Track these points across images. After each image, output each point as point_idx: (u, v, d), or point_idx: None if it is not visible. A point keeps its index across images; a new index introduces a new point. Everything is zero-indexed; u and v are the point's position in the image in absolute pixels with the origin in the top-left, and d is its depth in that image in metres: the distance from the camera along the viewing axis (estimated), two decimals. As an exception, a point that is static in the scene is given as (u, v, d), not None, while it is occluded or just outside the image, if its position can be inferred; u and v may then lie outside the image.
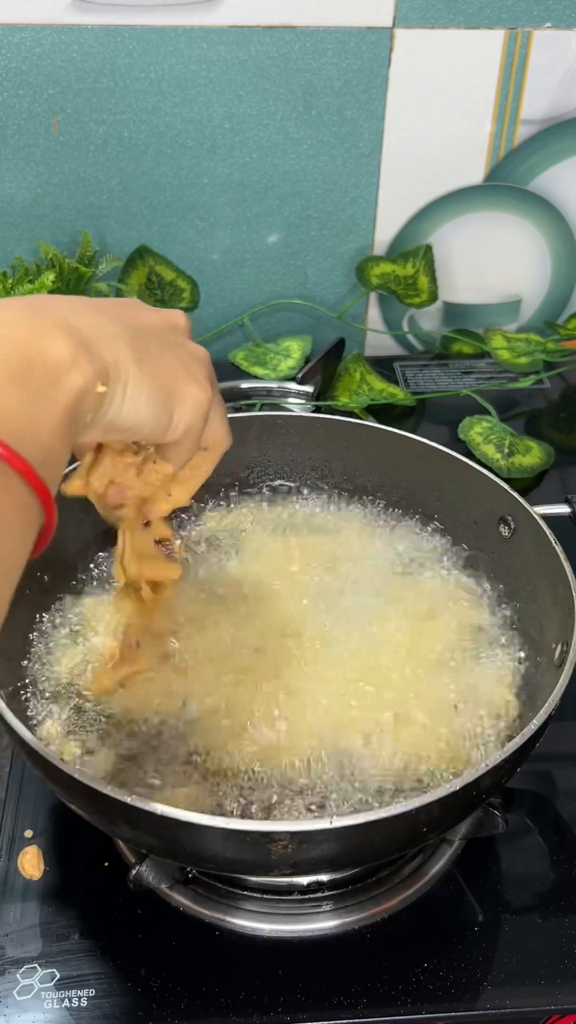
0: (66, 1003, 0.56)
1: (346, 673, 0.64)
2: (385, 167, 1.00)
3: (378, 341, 1.11)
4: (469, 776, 0.50)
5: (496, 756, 0.51)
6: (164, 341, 0.48)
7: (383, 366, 1.07)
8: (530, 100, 0.97)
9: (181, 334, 0.50)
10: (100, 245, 1.02)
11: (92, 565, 0.72)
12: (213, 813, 0.54)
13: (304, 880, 0.60)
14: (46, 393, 0.39)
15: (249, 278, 1.06)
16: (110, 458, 0.52)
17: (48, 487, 0.39)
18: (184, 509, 0.77)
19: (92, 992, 0.57)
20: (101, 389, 0.42)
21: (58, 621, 0.68)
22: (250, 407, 0.95)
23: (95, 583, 0.71)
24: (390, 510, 0.77)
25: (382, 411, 0.99)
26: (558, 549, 0.63)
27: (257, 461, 0.79)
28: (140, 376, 0.44)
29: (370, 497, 0.78)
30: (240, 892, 0.61)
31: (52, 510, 0.40)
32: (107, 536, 0.74)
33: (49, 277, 0.92)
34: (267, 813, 0.57)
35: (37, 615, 0.68)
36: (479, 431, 0.96)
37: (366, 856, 0.55)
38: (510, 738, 0.58)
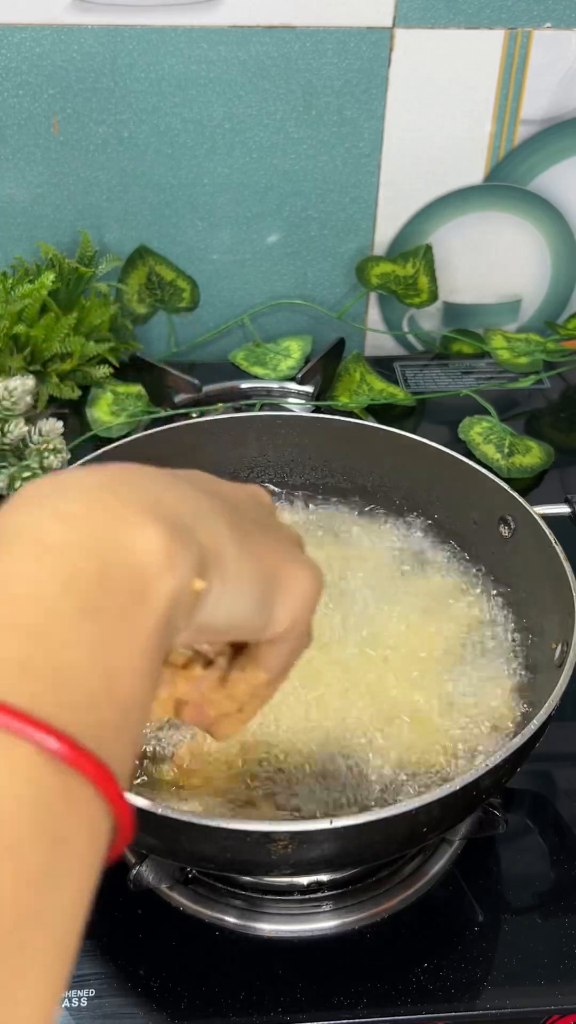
0: (66, 1003, 0.56)
1: (345, 673, 0.64)
2: (385, 167, 1.00)
3: (378, 341, 1.11)
4: (469, 776, 0.50)
5: (496, 756, 0.51)
6: (256, 518, 0.38)
7: (383, 366, 1.07)
8: (530, 100, 0.97)
9: (270, 511, 0.41)
10: (100, 245, 1.02)
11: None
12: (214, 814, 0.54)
13: (304, 880, 0.60)
14: (127, 618, 0.29)
15: (249, 278, 1.06)
16: (172, 672, 0.40)
17: (120, 784, 0.27)
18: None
19: (92, 992, 0.57)
20: (199, 586, 0.32)
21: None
22: (250, 407, 0.95)
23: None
24: (390, 510, 0.77)
25: (382, 411, 0.99)
26: (558, 549, 0.63)
27: (257, 461, 0.79)
28: (241, 560, 0.34)
29: (370, 497, 0.78)
30: (240, 892, 0.61)
31: (128, 814, 0.28)
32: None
33: (49, 277, 0.92)
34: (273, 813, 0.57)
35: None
36: (479, 431, 0.96)
37: (366, 856, 0.55)
38: (510, 738, 0.58)
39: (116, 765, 0.27)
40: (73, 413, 0.97)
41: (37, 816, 0.24)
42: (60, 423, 0.88)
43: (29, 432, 0.87)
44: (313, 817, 0.56)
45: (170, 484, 0.34)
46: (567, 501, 0.70)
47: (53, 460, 0.86)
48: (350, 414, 0.95)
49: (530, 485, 0.93)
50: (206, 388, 0.98)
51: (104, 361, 0.99)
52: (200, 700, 0.40)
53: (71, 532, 0.30)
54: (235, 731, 0.41)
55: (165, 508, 0.32)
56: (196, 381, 0.97)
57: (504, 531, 0.69)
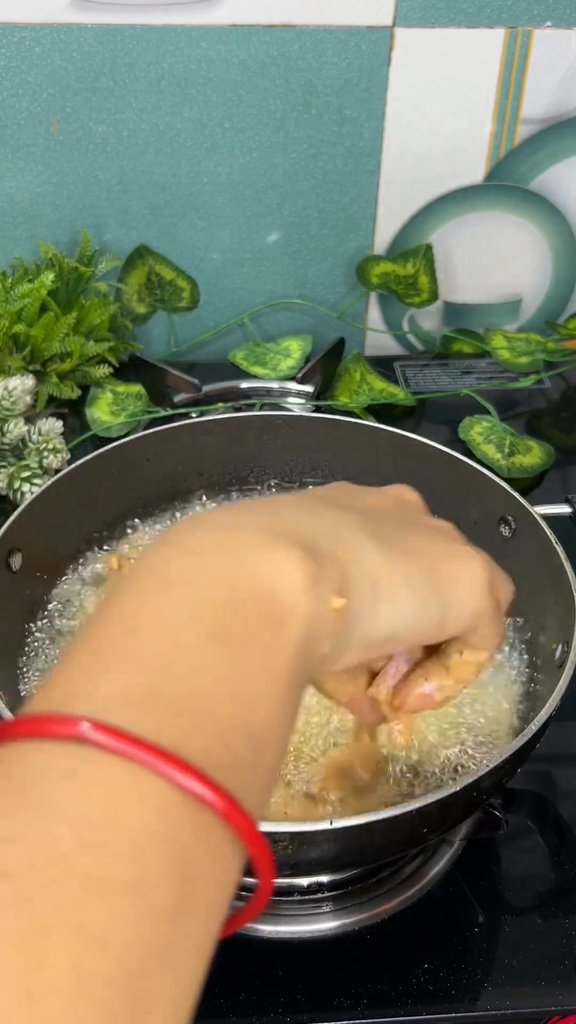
0: (66, 1004, 0.56)
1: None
2: (385, 167, 1.00)
3: (378, 341, 1.11)
4: (469, 777, 0.50)
5: (496, 757, 0.51)
6: (403, 522, 0.37)
7: (383, 366, 1.07)
8: (530, 99, 0.97)
9: (418, 511, 0.40)
10: (99, 244, 1.01)
11: (82, 564, 0.72)
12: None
13: (304, 881, 0.60)
14: (260, 645, 0.28)
15: (249, 278, 1.06)
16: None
17: (253, 820, 0.25)
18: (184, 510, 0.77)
19: (92, 993, 0.56)
20: (338, 604, 0.31)
21: (57, 623, 0.68)
22: (250, 407, 0.95)
23: (93, 584, 0.71)
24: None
25: (382, 411, 0.99)
26: (559, 549, 0.63)
27: (257, 461, 0.78)
28: (391, 568, 0.33)
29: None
30: (239, 893, 0.61)
31: (266, 853, 0.26)
32: (100, 538, 0.74)
33: (48, 276, 0.92)
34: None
35: (35, 616, 0.68)
36: (479, 431, 0.95)
37: (366, 857, 0.55)
38: (510, 739, 0.58)
39: (248, 798, 0.25)
40: (72, 413, 0.97)
41: (166, 851, 0.23)
42: (59, 423, 0.88)
43: (28, 432, 0.86)
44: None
45: (301, 507, 0.33)
46: (568, 501, 0.70)
47: (52, 460, 0.86)
48: (350, 414, 0.95)
49: (531, 485, 0.93)
50: (206, 388, 0.98)
51: (104, 361, 0.98)
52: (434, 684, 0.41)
53: (197, 564, 0.29)
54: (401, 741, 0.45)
55: (296, 532, 0.31)
56: (196, 381, 0.97)
57: (504, 531, 0.69)
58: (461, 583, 0.36)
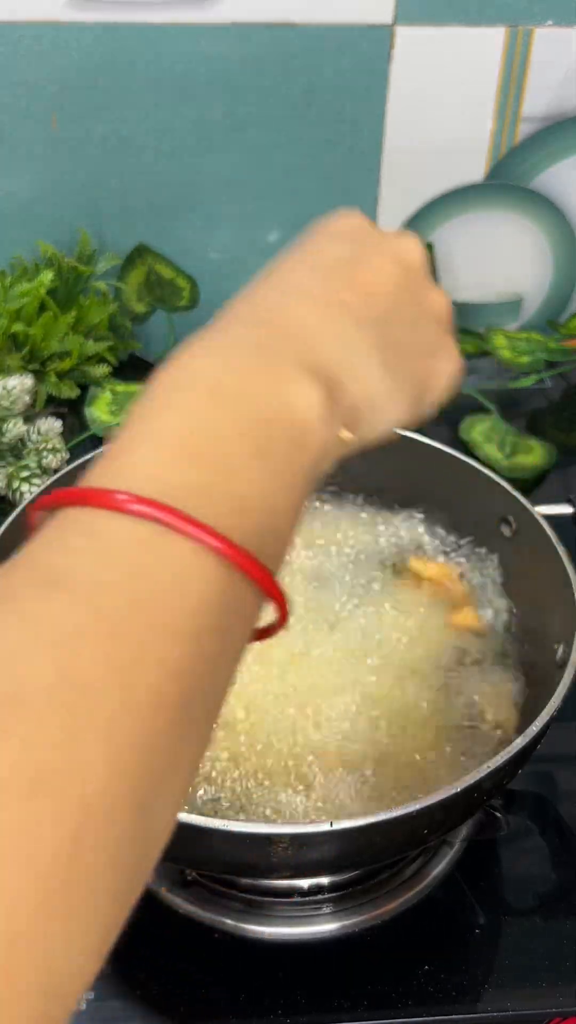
0: (65, 1006, 0.56)
1: (344, 673, 0.64)
2: (385, 166, 1.00)
3: (378, 340, 1.11)
4: (470, 778, 0.49)
5: (497, 758, 0.50)
6: (408, 315, 0.41)
7: (383, 365, 1.06)
8: (531, 98, 0.97)
9: (421, 280, 0.43)
10: (99, 244, 1.01)
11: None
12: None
13: (304, 883, 0.59)
14: (288, 462, 0.33)
15: (249, 277, 1.05)
16: None
17: (278, 583, 0.32)
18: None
19: (91, 995, 0.56)
20: (347, 437, 0.37)
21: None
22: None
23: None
24: (390, 510, 0.77)
25: (382, 410, 0.99)
26: (560, 549, 0.63)
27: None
28: (391, 390, 0.39)
29: (370, 497, 0.77)
30: (240, 895, 0.61)
31: (285, 614, 0.34)
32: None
33: (47, 275, 0.92)
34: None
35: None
36: (480, 431, 0.95)
37: (367, 858, 0.55)
38: (511, 740, 0.58)
39: (275, 570, 0.32)
40: (71, 412, 0.97)
41: (215, 613, 0.29)
42: (58, 422, 0.88)
43: (27, 431, 0.86)
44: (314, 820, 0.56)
45: (327, 331, 0.37)
46: (569, 501, 0.70)
47: (51, 459, 0.86)
48: (350, 413, 0.94)
49: (532, 485, 0.92)
50: (206, 387, 0.97)
51: (103, 360, 0.98)
52: None
53: (244, 384, 0.34)
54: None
55: (323, 365, 0.36)
56: (196, 380, 0.97)
57: (506, 531, 0.69)
58: (439, 386, 0.43)
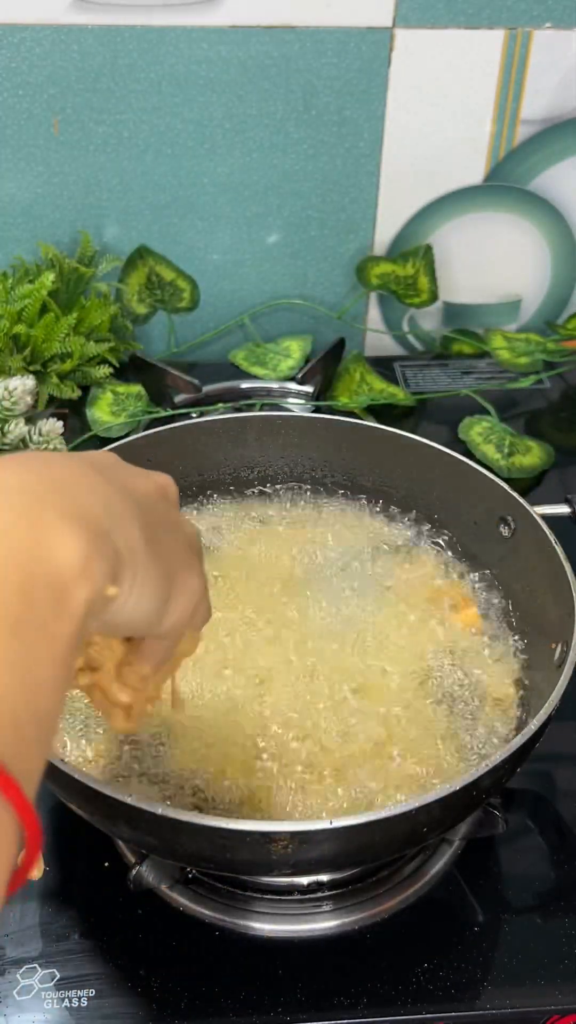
0: (66, 1003, 0.56)
1: (343, 673, 0.64)
2: (385, 167, 1.00)
3: (378, 341, 1.11)
4: (469, 776, 0.50)
5: (496, 756, 0.51)
6: (163, 521, 0.41)
7: (383, 366, 1.07)
8: (530, 100, 0.97)
9: (172, 505, 0.44)
10: (100, 245, 1.02)
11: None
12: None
13: (304, 880, 0.60)
14: (47, 633, 0.30)
15: (249, 278, 1.06)
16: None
17: (29, 799, 0.29)
18: (184, 509, 0.77)
19: (92, 992, 0.57)
20: (112, 592, 0.35)
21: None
22: (250, 407, 0.95)
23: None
24: (390, 510, 0.77)
25: (382, 411, 0.99)
26: (558, 549, 0.63)
27: (257, 461, 0.79)
28: (148, 566, 0.37)
29: (370, 497, 0.78)
30: (240, 892, 0.61)
31: (35, 827, 0.30)
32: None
33: (49, 277, 0.92)
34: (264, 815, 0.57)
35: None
36: (479, 431, 0.96)
37: (366, 856, 0.55)
38: (509, 738, 0.58)
39: (29, 779, 0.29)
40: (73, 413, 0.97)
41: None
42: (60, 423, 0.88)
43: (29, 432, 0.87)
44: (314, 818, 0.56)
45: (90, 486, 0.35)
46: (567, 501, 0.70)
47: (53, 460, 0.86)
48: (350, 414, 0.95)
49: (530, 485, 0.93)
50: (206, 388, 0.98)
51: (104, 361, 0.99)
52: (100, 684, 0.44)
53: (2, 539, 0.31)
54: (127, 726, 0.45)
55: (85, 512, 0.33)
56: (196, 381, 0.97)
57: (504, 531, 0.69)
58: (186, 595, 0.41)
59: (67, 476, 0.35)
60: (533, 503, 0.67)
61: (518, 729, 0.61)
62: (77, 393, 0.97)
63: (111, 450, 0.71)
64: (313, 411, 0.96)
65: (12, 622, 0.29)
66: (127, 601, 0.36)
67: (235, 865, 0.53)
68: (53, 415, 0.92)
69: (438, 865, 0.63)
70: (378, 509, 0.77)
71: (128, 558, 0.35)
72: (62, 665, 0.31)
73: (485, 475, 0.70)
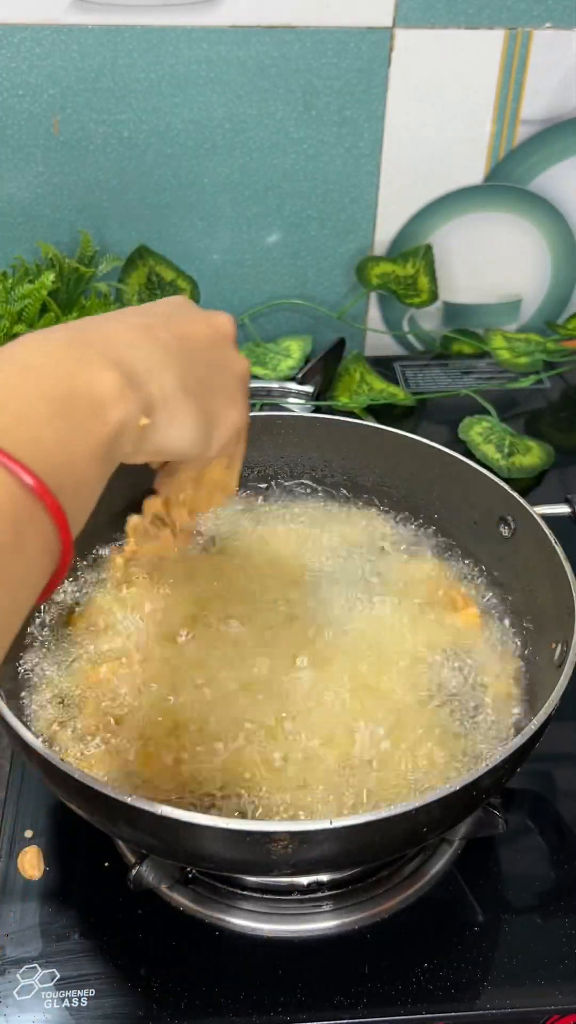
0: (66, 1003, 0.56)
1: (342, 674, 0.64)
2: (385, 167, 1.00)
3: (378, 341, 1.11)
4: (469, 776, 0.50)
5: (496, 756, 0.51)
6: (210, 360, 0.48)
7: (383, 366, 1.07)
8: (530, 100, 0.97)
9: (227, 345, 0.51)
10: (100, 245, 1.02)
11: (91, 559, 0.72)
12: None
13: (304, 880, 0.60)
14: (86, 426, 0.39)
15: (249, 278, 1.06)
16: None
17: (71, 526, 0.38)
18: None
19: (92, 992, 0.57)
20: (144, 422, 0.43)
21: (56, 620, 0.68)
22: (250, 407, 0.95)
23: (93, 581, 0.71)
24: (390, 510, 0.77)
25: (382, 411, 0.99)
26: (558, 549, 0.63)
27: (257, 461, 0.79)
28: (186, 405, 0.45)
29: (370, 497, 0.78)
30: (240, 892, 0.61)
31: (69, 551, 0.39)
32: (109, 529, 0.74)
33: (49, 277, 0.92)
34: (266, 815, 0.57)
35: (39, 611, 0.68)
36: (479, 431, 0.96)
37: (366, 856, 0.55)
38: (509, 738, 0.58)
39: (69, 513, 0.38)
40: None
41: (9, 520, 0.36)
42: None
43: (29, 432, 0.86)
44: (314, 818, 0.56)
45: (130, 337, 0.44)
46: (567, 501, 0.70)
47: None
48: (350, 414, 0.95)
49: (530, 485, 0.93)
50: (206, 388, 0.98)
51: (104, 361, 0.98)
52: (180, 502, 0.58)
53: (49, 362, 0.40)
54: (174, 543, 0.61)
55: (126, 362, 0.42)
56: (196, 381, 0.97)
57: (504, 531, 0.69)
58: (227, 426, 0.50)
59: (112, 333, 0.44)
60: (533, 503, 0.67)
61: (518, 729, 0.61)
62: (77, 393, 0.97)
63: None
64: (313, 411, 0.96)
65: (58, 409, 0.38)
66: (168, 431, 0.45)
67: (235, 865, 0.53)
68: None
69: (438, 865, 0.63)
70: (378, 509, 0.77)
71: (160, 401, 0.44)
72: (96, 452, 0.40)
73: (485, 475, 0.70)
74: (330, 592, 0.70)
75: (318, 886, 0.60)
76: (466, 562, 0.73)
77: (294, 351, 1.03)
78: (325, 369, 1.00)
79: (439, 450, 0.72)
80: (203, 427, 0.47)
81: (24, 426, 0.37)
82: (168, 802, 0.50)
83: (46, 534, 0.38)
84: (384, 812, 0.48)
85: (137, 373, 0.43)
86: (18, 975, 0.57)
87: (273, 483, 0.79)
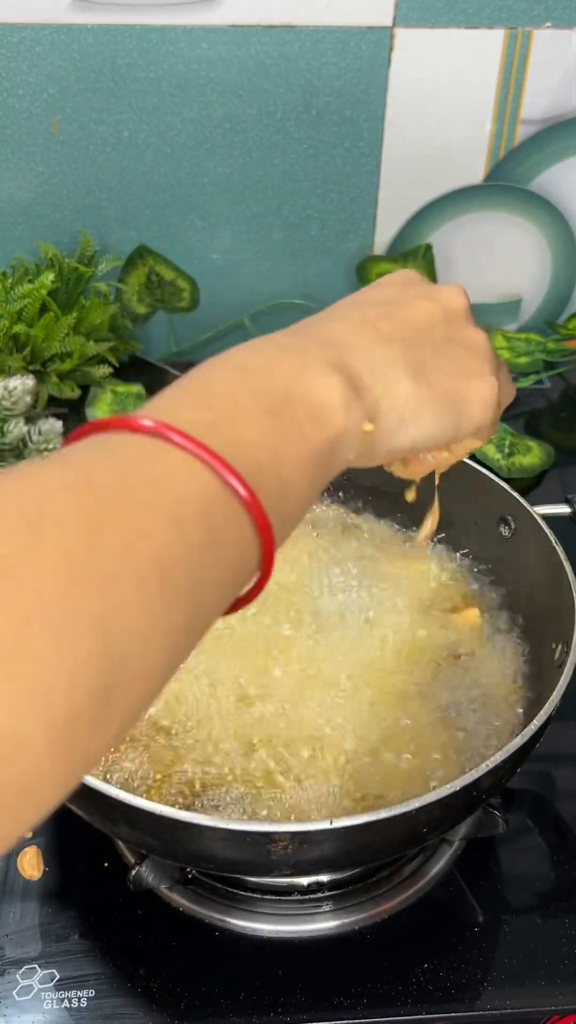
0: (66, 1003, 0.56)
1: (341, 674, 0.64)
2: (385, 167, 1.00)
3: (378, 341, 1.11)
4: (469, 776, 0.50)
5: (496, 756, 0.51)
6: (442, 343, 0.45)
7: (383, 366, 1.07)
8: (530, 100, 0.97)
9: (460, 321, 0.46)
10: (100, 245, 1.01)
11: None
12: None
13: (304, 880, 0.60)
14: (300, 428, 0.37)
15: (249, 278, 1.06)
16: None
17: (274, 529, 0.34)
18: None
19: (92, 993, 0.57)
20: (368, 428, 0.40)
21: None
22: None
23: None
24: (389, 510, 0.77)
25: (382, 411, 0.99)
26: (558, 549, 0.63)
27: (257, 461, 0.78)
28: (419, 399, 0.42)
29: (369, 497, 0.78)
30: (240, 892, 0.61)
31: (271, 559, 0.35)
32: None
33: (48, 277, 0.92)
34: (266, 815, 0.56)
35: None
36: (479, 431, 0.95)
37: (366, 856, 0.55)
38: (509, 739, 0.58)
39: (271, 510, 0.34)
40: (73, 413, 0.97)
41: (199, 508, 0.32)
42: (60, 423, 0.88)
43: (29, 432, 0.87)
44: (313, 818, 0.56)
45: (356, 343, 0.41)
46: (567, 501, 0.70)
47: (53, 460, 0.86)
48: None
49: (530, 485, 0.93)
50: (206, 388, 0.98)
51: (104, 361, 0.98)
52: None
53: (267, 365, 0.38)
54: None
55: (348, 366, 0.40)
56: (196, 381, 0.97)
57: (504, 531, 0.69)
58: (475, 407, 0.45)
59: (332, 335, 0.41)
60: (533, 503, 0.67)
61: (518, 729, 0.61)
62: (77, 393, 0.97)
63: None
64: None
65: (269, 408, 0.36)
66: (399, 431, 0.42)
67: (235, 865, 0.53)
68: (53, 415, 0.92)
69: (438, 865, 0.63)
70: (378, 510, 0.77)
71: (388, 403, 0.41)
72: (309, 458, 0.37)
73: (485, 475, 0.70)
74: (329, 592, 0.70)
75: (318, 886, 0.60)
76: (466, 562, 0.73)
77: (294, 351, 1.03)
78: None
79: (439, 450, 0.72)
80: (446, 413, 0.43)
81: (230, 421, 0.35)
82: (168, 802, 0.50)
83: (245, 543, 0.34)
84: (384, 812, 0.48)
85: (361, 377, 0.40)
86: (18, 975, 0.57)
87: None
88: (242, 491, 0.33)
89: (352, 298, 0.46)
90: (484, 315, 1.11)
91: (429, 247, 1.03)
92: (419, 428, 0.43)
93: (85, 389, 0.98)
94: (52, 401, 0.96)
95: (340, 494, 0.78)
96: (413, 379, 0.42)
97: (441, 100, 0.97)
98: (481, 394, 0.46)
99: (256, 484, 0.33)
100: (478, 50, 0.94)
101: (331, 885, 0.61)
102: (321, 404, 0.38)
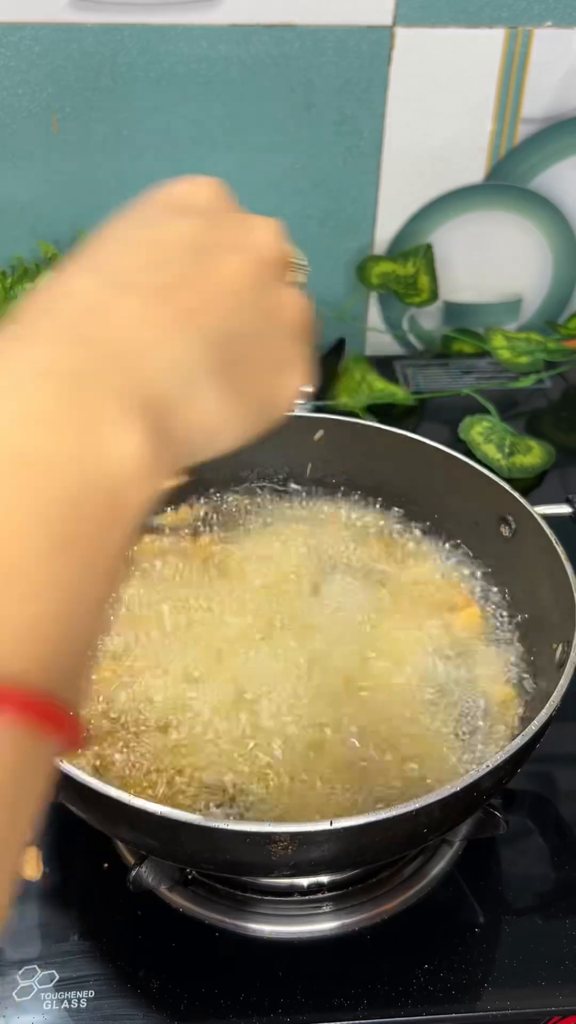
0: (65, 1004, 0.56)
1: (342, 673, 0.64)
2: (385, 166, 1.00)
3: (378, 341, 1.11)
4: (469, 777, 0.49)
5: (496, 757, 0.51)
6: (251, 318, 0.36)
7: (384, 366, 1.07)
8: (531, 99, 0.97)
9: (270, 279, 0.38)
10: (100, 244, 1.01)
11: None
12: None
13: (304, 881, 0.60)
14: (101, 544, 0.28)
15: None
16: None
17: (79, 721, 0.28)
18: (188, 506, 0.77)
19: (91, 993, 0.56)
20: (171, 484, 0.32)
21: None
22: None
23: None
24: (390, 510, 0.77)
25: (382, 411, 0.99)
26: (559, 549, 0.63)
27: (256, 461, 0.78)
28: (228, 411, 0.34)
29: (370, 497, 0.78)
30: (240, 893, 0.61)
31: (79, 731, 0.28)
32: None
33: (48, 277, 0.92)
34: (266, 816, 0.56)
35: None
36: (480, 431, 0.95)
37: (366, 857, 0.55)
38: (510, 739, 0.58)
39: (78, 701, 0.28)
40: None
41: (11, 775, 0.26)
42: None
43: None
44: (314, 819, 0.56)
45: (156, 339, 0.31)
46: (568, 501, 0.70)
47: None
48: (350, 414, 0.94)
49: (531, 485, 0.92)
50: (206, 388, 0.97)
51: (104, 360, 0.98)
52: None
53: (49, 439, 0.27)
54: None
55: (147, 388, 0.30)
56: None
57: (505, 531, 0.69)
58: (283, 401, 0.38)
59: (126, 332, 0.31)
60: (534, 503, 0.67)
61: (518, 730, 0.61)
62: (77, 392, 0.97)
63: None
64: (313, 411, 0.96)
65: (62, 538, 0.27)
66: (213, 447, 0.35)
67: (235, 866, 0.53)
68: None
69: (439, 866, 0.63)
70: (378, 509, 0.77)
71: (193, 427, 0.33)
72: (113, 576, 0.28)
73: (486, 475, 0.70)
74: (329, 592, 0.70)
75: (318, 887, 0.60)
76: (466, 562, 0.73)
77: (294, 350, 1.03)
78: (325, 369, 1.00)
79: (440, 450, 0.72)
80: (256, 419, 0.37)
81: (15, 602, 0.26)
82: (167, 803, 0.50)
83: (52, 752, 0.28)
84: (384, 813, 0.48)
85: (165, 402, 0.31)
86: (17, 976, 0.57)
87: (272, 483, 0.79)
88: (59, 724, 0.27)
89: (138, 233, 0.36)
90: (484, 315, 1.11)
91: (429, 247, 1.03)
92: (225, 441, 0.35)
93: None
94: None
95: (341, 492, 0.78)
96: (221, 388, 0.34)
97: (441, 99, 0.97)
98: (293, 388, 0.39)
99: (60, 682, 0.27)
100: (478, 49, 0.94)
101: (331, 886, 0.61)
102: (117, 479, 0.28)
